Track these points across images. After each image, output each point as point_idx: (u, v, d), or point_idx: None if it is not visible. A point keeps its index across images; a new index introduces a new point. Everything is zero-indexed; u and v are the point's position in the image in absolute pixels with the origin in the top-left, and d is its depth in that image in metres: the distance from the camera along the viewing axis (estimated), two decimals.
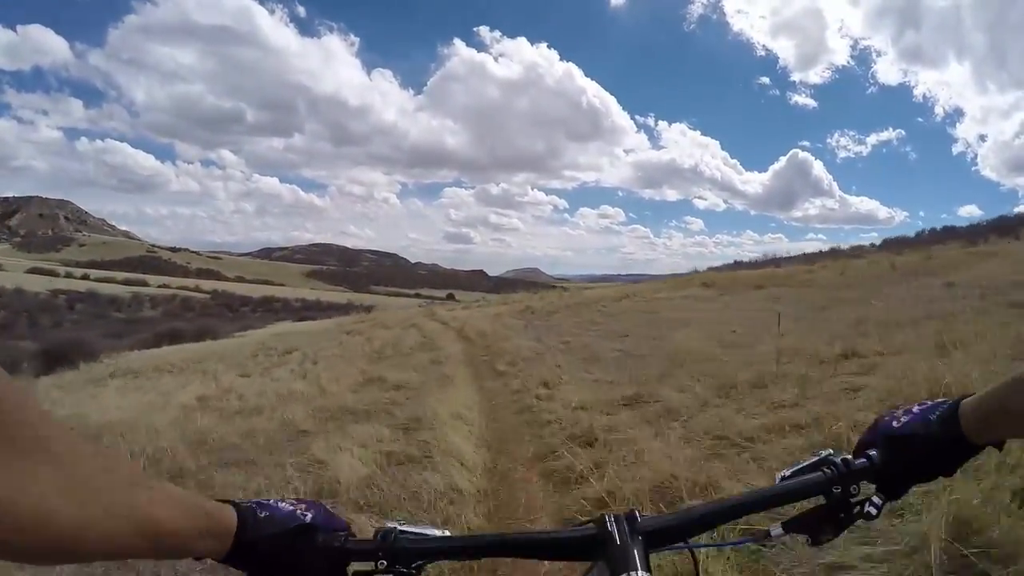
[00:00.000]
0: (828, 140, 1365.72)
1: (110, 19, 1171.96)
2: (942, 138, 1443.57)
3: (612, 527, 0.81)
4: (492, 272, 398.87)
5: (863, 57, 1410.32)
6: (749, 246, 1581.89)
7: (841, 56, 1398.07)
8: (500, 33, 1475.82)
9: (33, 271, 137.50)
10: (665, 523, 0.84)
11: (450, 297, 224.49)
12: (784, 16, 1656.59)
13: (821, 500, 0.88)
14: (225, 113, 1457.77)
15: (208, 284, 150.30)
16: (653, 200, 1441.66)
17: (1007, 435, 0.85)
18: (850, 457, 0.89)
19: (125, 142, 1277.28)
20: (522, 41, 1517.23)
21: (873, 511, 0.88)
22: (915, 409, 0.92)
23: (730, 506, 0.86)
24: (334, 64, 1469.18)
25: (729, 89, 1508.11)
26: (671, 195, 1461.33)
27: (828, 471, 0.87)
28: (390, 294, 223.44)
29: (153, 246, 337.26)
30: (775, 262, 37.06)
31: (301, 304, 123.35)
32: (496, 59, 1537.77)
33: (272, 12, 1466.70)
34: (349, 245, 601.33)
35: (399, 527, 0.87)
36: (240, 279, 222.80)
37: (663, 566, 2.28)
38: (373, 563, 0.85)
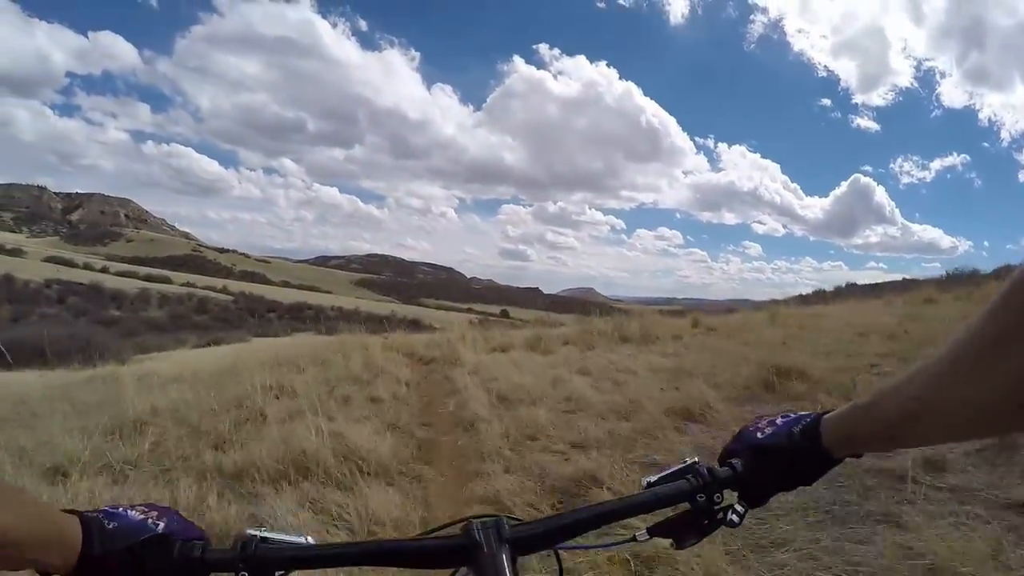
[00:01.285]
0: (891, 165, 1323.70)
1: (178, 28, 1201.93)
2: (1008, 164, 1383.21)
3: (479, 535, 0.82)
4: (547, 290, 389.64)
5: (927, 79, 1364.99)
6: (807, 273, 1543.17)
7: (904, 78, 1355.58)
8: (559, 51, 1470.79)
9: (50, 259, 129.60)
10: (532, 530, 0.85)
11: (504, 314, 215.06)
12: (846, 35, 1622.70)
13: (687, 506, 0.91)
14: (287, 122, 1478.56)
15: (243, 286, 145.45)
16: (711, 223, 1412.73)
17: (861, 450, 0.90)
18: (715, 466, 0.94)
19: (190, 147, 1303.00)
20: (581, 59, 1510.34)
21: (735, 518, 0.92)
22: (779, 421, 0.96)
23: (597, 513, 0.88)
24: (394, 78, 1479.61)
25: (790, 111, 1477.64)
26: (729, 219, 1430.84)
27: (693, 479, 0.91)
28: (441, 307, 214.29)
29: (200, 245, 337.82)
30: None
31: (337, 313, 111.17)
32: (555, 76, 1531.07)
33: (335, 25, 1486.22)
34: (406, 257, 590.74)
35: (260, 535, 0.84)
36: (285, 284, 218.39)
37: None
38: (233, 574, 0.82)
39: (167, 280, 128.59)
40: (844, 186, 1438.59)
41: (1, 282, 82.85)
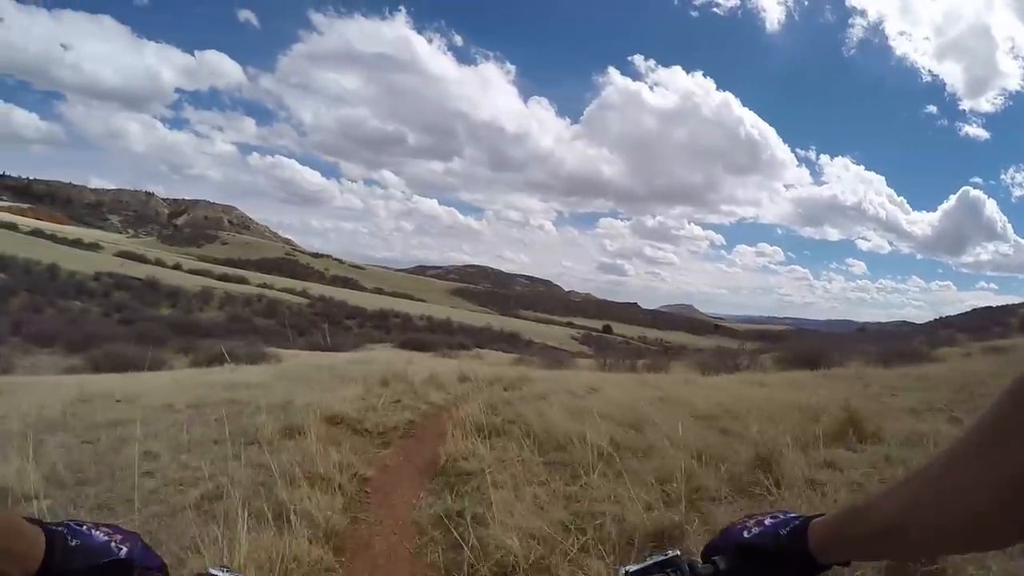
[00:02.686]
0: (1002, 176, 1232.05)
1: (279, 47, 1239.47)
2: None
3: None
4: (645, 305, 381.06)
5: None
6: (914, 293, 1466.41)
7: (1014, 80, 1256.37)
8: (655, 62, 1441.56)
9: (121, 254, 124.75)
10: None
11: (607, 330, 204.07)
12: (949, 36, 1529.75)
13: None
14: (387, 136, 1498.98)
15: (330, 291, 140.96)
16: (813, 239, 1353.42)
17: (848, 557, 0.89)
18: (697, 561, 0.94)
19: (293, 159, 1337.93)
20: (677, 70, 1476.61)
21: None
22: (767, 521, 0.95)
23: None
24: (491, 91, 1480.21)
25: (893, 119, 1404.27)
26: (832, 234, 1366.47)
27: (673, 573, 0.90)
28: (540, 320, 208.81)
29: (295, 249, 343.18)
30: None
31: (426, 323, 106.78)
32: (651, 88, 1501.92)
33: (431, 41, 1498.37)
34: (504, 269, 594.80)
35: (215, 573, 0.86)
36: (378, 290, 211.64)
37: None
38: None
39: (243, 280, 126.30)
40: (953, 200, 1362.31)
41: (43, 272, 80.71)
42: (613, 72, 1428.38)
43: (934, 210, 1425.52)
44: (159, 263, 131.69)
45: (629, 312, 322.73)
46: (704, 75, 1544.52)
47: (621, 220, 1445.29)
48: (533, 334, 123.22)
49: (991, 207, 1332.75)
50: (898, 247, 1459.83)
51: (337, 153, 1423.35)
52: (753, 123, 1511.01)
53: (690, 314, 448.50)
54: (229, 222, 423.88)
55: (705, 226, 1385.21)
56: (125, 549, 0.83)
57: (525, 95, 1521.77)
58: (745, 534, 0.92)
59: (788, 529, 0.89)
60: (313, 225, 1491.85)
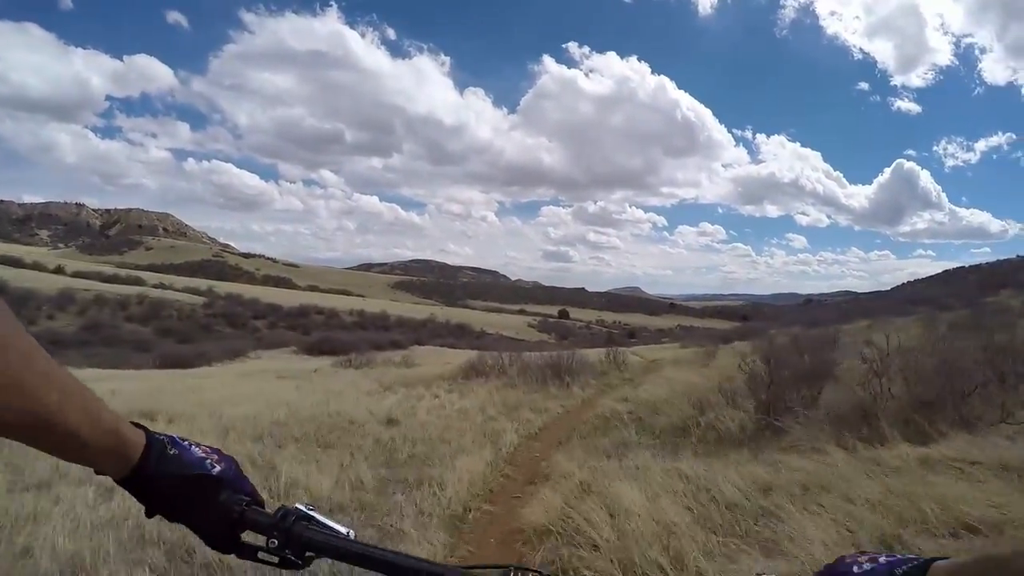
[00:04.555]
0: (934, 148, 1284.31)
1: (210, 48, 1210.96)
2: None
3: None
4: (592, 290, 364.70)
5: (967, 56, 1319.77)
6: (855, 264, 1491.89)
7: (943, 56, 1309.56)
8: (589, 48, 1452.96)
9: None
10: None
11: (564, 315, 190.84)
12: (879, 15, 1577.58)
13: None
14: (325, 134, 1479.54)
15: (255, 290, 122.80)
16: (753, 217, 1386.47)
17: None
18: None
19: (230, 162, 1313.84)
20: (612, 56, 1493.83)
21: None
22: (881, 559, 0.85)
23: None
24: (427, 84, 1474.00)
25: (827, 97, 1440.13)
26: (772, 211, 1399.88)
27: None
28: (489, 310, 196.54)
29: (224, 251, 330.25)
30: None
31: (356, 319, 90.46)
32: (587, 75, 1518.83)
33: (364, 35, 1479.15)
34: (449, 262, 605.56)
35: (304, 511, 0.87)
36: (313, 288, 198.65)
37: None
38: (265, 539, 0.84)
39: (139, 281, 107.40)
40: (888, 172, 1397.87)
41: None
42: (548, 60, 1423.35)
43: (870, 183, 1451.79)
44: (37, 266, 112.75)
45: (580, 297, 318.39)
46: (639, 59, 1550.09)
47: (563, 207, 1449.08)
48: (484, 324, 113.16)
49: (925, 178, 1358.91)
50: (836, 220, 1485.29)
51: (274, 155, 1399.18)
52: (689, 105, 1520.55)
53: (638, 296, 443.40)
54: (164, 230, 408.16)
55: (647, 209, 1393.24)
56: (219, 468, 0.86)
57: (461, 86, 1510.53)
58: (855, 569, 0.82)
59: (904, 569, 0.79)
60: (254, 229, 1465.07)
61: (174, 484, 0.82)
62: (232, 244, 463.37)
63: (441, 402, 13.41)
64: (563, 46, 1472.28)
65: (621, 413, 11.45)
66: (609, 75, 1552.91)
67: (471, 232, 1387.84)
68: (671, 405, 11.57)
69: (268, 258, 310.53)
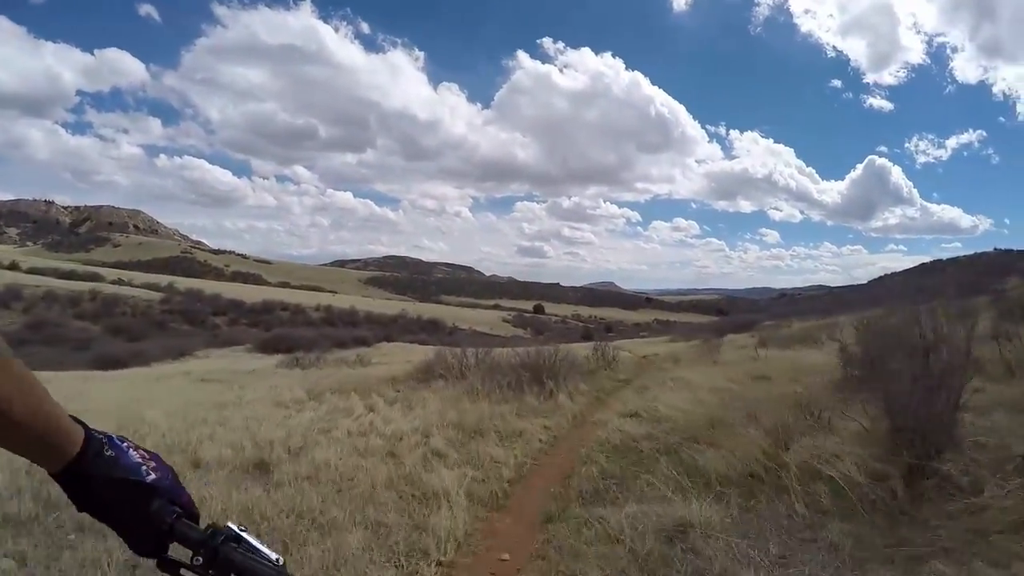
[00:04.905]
0: (906, 144, 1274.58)
1: (183, 42, 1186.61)
2: None
3: None
4: (567, 285, 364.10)
5: (939, 54, 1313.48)
6: (827, 259, 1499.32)
7: (916, 54, 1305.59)
8: (564, 44, 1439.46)
9: None
10: None
11: (539, 310, 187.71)
12: (853, 13, 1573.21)
13: None
14: (298, 130, 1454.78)
15: (220, 286, 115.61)
16: (727, 212, 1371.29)
17: None
18: None
19: (202, 159, 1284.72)
20: (586, 51, 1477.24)
21: None
22: None
23: None
24: (401, 79, 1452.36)
25: (801, 94, 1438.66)
26: (745, 206, 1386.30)
27: None
28: (464, 305, 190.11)
29: (194, 247, 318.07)
30: None
31: (323, 316, 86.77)
32: (561, 70, 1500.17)
33: (337, 30, 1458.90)
34: (423, 258, 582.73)
35: (236, 531, 0.85)
36: (284, 284, 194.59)
37: None
38: (191, 555, 0.82)
39: (96, 277, 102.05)
40: (860, 168, 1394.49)
41: None
42: (522, 56, 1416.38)
43: (842, 179, 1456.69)
44: (14, 267, 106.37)
45: (556, 292, 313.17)
46: (613, 55, 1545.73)
47: (537, 203, 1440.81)
48: (458, 319, 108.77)
49: (897, 174, 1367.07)
50: (809, 215, 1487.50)
51: (247, 150, 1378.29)
52: (663, 101, 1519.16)
53: (614, 290, 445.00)
54: (135, 227, 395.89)
55: (621, 204, 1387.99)
56: (154, 476, 0.85)
57: (435, 81, 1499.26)
58: None
59: None
60: (227, 226, 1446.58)
61: (107, 486, 0.80)
62: (204, 241, 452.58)
63: (372, 421, 9.46)
64: (537, 42, 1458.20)
65: (637, 440, 7.60)
66: (583, 71, 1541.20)
67: (445, 228, 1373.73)
68: (714, 426, 7.83)
69: (239, 254, 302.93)
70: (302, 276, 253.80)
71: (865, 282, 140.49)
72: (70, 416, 0.81)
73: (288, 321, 75.82)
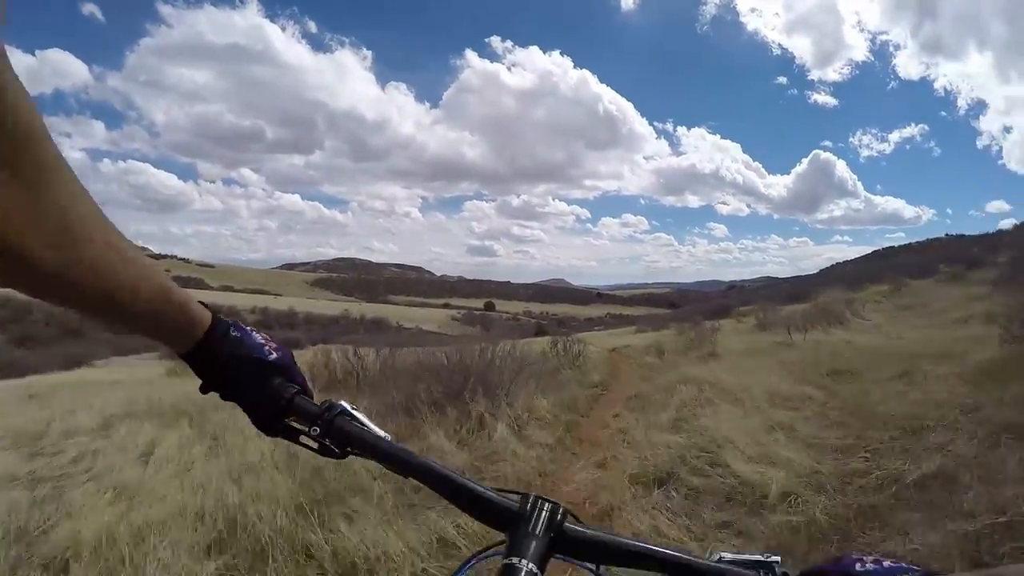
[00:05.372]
0: (850, 139, 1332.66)
1: (127, 42, 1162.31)
2: (966, 132, 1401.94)
3: (532, 510, 0.79)
4: (518, 283, 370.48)
5: (882, 52, 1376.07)
6: (774, 251, 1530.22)
7: (859, 52, 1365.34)
8: (512, 43, 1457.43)
9: None
10: (583, 535, 0.79)
11: (490, 307, 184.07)
12: (798, 12, 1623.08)
13: None
14: (244, 131, 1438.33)
15: None
16: (675, 207, 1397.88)
17: None
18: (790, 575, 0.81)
19: (147, 162, 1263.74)
20: (534, 50, 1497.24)
21: None
22: (885, 564, 0.79)
23: (655, 556, 0.78)
24: (348, 79, 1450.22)
25: (747, 90, 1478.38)
26: (693, 201, 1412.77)
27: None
28: (413, 305, 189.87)
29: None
30: None
31: (259, 318, 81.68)
32: (509, 69, 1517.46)
33: (284, 29, 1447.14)
34: (373, 260, 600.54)
35: (348, 408, 0.89)
36: (227, 288, 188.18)
37: None
38: (308, 426, 0.87)
39: None
40: (805, 163, 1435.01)
41: None
42: (471, 54, 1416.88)
43: (788, 173, 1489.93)
44: None
45: (507, 289, 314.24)
46: (562, 54, 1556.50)
47: (487, 201, 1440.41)
48: (404, 319, 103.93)
49: (841, 167, 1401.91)
50: (756, 209, 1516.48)
51: (193, 153, 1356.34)
52: (611, 99, 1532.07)
53: (564, 287, 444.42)
54: None
55: (570, 201, 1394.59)
56: (275, 355, 0.89)
57: (383, 81, 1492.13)
58: (857, 567, 0.76)
59: None
60: (173, 232, 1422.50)
61: (232, 363, 0.85)
62: (150, 247, 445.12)
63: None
64: (486, 40, 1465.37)
65: None
66: (532, 69, 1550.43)
67: (395, 229, 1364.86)
68: None
69: (181, 259, 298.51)
70: (247, 280, 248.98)
71: (815, 272, 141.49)
72: (199, 301, 0.85)
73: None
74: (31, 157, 0.55)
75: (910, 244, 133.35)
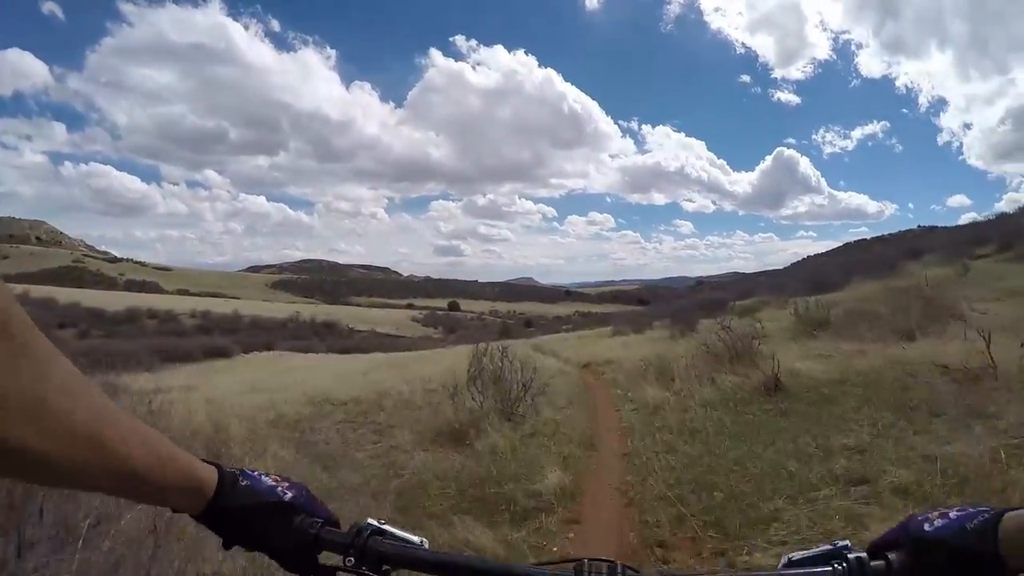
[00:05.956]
0: (813, 136, 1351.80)
1: (88, 42, 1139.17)
2: (927, 129, 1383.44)
3: None
4: (484, 282, 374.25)
5: (844, 50, 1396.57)
6: (740, 247, 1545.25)
7: (822, 50, 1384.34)
8: (476, 42, 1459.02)
9: None
10: None
11: (454, 307, 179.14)
12: (761, 11, 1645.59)
13: None
14: (208, 133, 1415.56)
15: (99, 296, 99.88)
16: (641, 205, 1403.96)
17: None
18: (865, 556, 0.79)
19: (109, 165, 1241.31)
20: (499, 49, 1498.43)
21: None
22: (952, 514, 0.80)
23: None
24: (312, 79, 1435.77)
25: (711, 89, 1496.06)
26: (659, 199, 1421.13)
27: (839, 567, 0.78)
28: (375, 306, 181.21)
29: (88, 255, 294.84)
30: None
31: (198, 323, 74.27)
32: (474, 68, 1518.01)
33: (247, 28, 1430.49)
34: (340, 261, 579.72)
35: (377, 525, 0.87)
36: (183, 292, 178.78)
37: None
38: (342, 558, 0.85)
39: None
40: (769, 160, 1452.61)
41: None
42: (435, 53, 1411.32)
43: (752, 170, 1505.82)
44: None
45: (473, 288, 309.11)
46: (526, 53, 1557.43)
47: (453, 201, 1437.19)
48: (362, 321, 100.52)
49: (805, 164, 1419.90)
50: (722, 206, 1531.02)
51: (156, 155, 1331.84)
52: (576, 98, 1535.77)
53: (532, 285, 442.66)
54: (37, 238, 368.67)
55: (536, 200, 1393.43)
56: (290, 494, 0.88)
57: (347, 80, 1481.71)
58: (926, 527, 0.77)
59: (975, 523, 0.74)
60: (137, 236, 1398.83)
61: (249, 513, 0.84)
62: (113, 252, 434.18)
63: None
64: (450, 39, 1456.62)
65: None
66: (496, 68, 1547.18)
67: (361, 230, 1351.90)
68: None
69: (137, 262, 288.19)
70: (205, 283, 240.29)
71: (782, 267, 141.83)
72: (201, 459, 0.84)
73: (155, 331, 65.32)
74: None
75: (881, 237, 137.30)
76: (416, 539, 0.84)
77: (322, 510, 0.90)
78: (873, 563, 0.76)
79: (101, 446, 0.65)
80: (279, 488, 0.87)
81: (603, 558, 0.78)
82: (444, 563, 0.81)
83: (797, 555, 0.79)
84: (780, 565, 0.79)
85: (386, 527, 0.85)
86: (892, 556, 0.77)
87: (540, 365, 10.77)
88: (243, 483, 0.84)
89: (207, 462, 0.83)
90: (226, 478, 0.83)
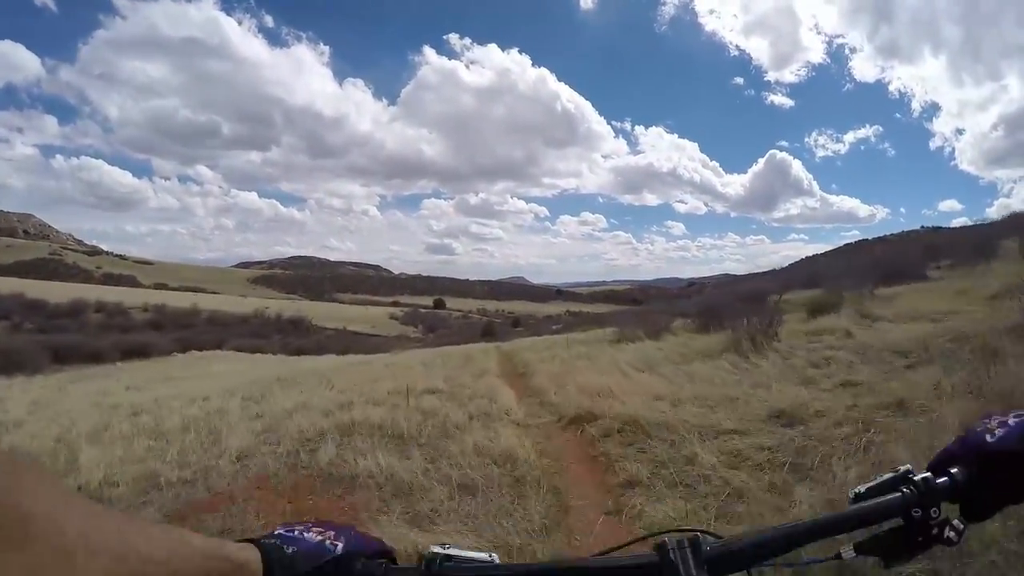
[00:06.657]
0: (806, 139, 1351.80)
1: (80, 34, 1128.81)
2: (920, 133, 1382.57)
3: (675, 555, 0.75)
4: (474, 280, 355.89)
5: (838, 54, 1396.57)
6: (731, 248, 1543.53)
7: (816, 54, 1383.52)
8: (470, 40, 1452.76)
9: None
10: (731, 549, 0.76)
11: (439, 305, 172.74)
12: (756, 14, 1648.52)
13: (898, 519, 0.80)
14: (200, 127, 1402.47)
15: (47, 288, 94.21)
16: (633, 205, 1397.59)
17: None
18: (930, 476, 0.80)
19: (101, 159, 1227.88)
20: (493, 47, 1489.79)
21: (953, 536, 0.78)
22: (1011, 421, 0.79)
23: (801, 530, 0.77)
24: (306, 75, 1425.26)
25: (705, 91, 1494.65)
26: (651, 200, 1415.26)
27: (907, 491, 0.78)
28: (358, 302, 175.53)
29: (64, 248, 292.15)
30: None
31: (149, 318, 69.39)
32: (467, 66, 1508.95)
33: (240, 22, 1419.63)
34: (332, 258, 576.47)
35: (444, 551, 0.82)
36: (161, 286, 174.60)
37: None
38: None
39: None
40: (761, 162, 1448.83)
41: None
42: (429, 51, 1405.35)
43: (745, 172, 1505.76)
44: None
45: (462, 286, 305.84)
46: (520, 52, 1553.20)
47: (445, 200, 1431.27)
48: (334, 318, 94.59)
49: (797, 167, 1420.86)
50: (714, 207, 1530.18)
51: (148, 149, 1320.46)
52: (569, 97, 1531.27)
53: (523, 284, 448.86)
54: (24, 232, 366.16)
55: (528, 200, 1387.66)
56: (340, 544, 0.82)
57: (341, 77, 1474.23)
58: (988, 438, 0.76)
59: None
60: (128, 231, 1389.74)
61: None
62: (102, 246, 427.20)
63: None
64: (444, 37, 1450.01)
65: None
66: (490, 67, 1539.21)
67: (353, 227, 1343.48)
68: None
69: (116, 255, 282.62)
70: (186, 277, 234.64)
71: (776, 268, 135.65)
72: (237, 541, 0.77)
73: (101, 324, 59.48)
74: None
75: (884, 237, 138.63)
76: (485, 555, 0.79)
77: (375, 545, 0.85)
78: (939, 481, 0.76)
79: (144, 569, 0.60)
80: (327, 542, 0.81)
81: (684, 529, 0.75)
82: (521, 574, 0.80)
83: (862, 488, 0.78)
84: (848, 499, 0.78)
85: (451, 551, 0.80)
86: (954, 471, 0.76)
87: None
88: (289, 551, 0.77)
89: (241, 541, 0.76)
90: (271, 553, 0.76)
